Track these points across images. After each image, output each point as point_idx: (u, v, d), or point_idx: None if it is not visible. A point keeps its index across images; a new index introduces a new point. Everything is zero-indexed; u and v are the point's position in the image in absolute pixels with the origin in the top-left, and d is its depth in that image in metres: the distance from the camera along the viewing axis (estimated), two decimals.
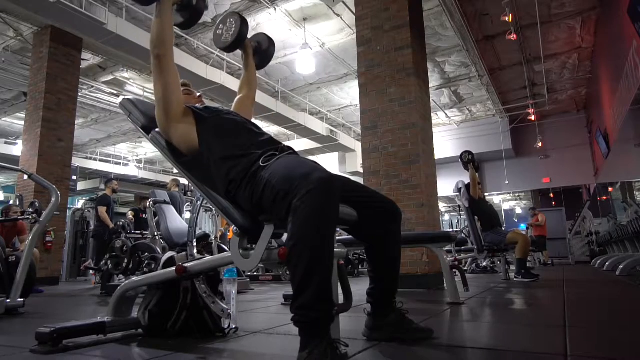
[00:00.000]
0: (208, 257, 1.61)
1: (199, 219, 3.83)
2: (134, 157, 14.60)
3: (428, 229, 4.10)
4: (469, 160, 4.87)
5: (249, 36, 1.90)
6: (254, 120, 1.76)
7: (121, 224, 5.10)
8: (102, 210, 5.79)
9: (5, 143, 11.64)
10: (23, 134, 6.78)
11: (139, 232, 5.19)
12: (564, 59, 8.87)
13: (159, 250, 4.01)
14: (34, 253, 3.26)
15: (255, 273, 6.25)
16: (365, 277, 5.49)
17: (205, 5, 1.65)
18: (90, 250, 8.22)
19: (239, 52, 1.96)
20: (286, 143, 1.53)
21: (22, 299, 2.61)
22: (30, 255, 2.73)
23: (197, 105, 1.64)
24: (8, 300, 2.54)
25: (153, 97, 1.55)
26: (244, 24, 1.79)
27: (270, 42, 2.01)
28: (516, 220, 17.01)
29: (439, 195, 5.17)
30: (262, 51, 1.99)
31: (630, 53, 5.42)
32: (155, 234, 4.25)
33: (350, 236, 1.56)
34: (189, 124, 1.52)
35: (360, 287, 2.35)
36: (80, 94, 8.12)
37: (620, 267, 5.21)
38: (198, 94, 1.77)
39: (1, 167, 3.60)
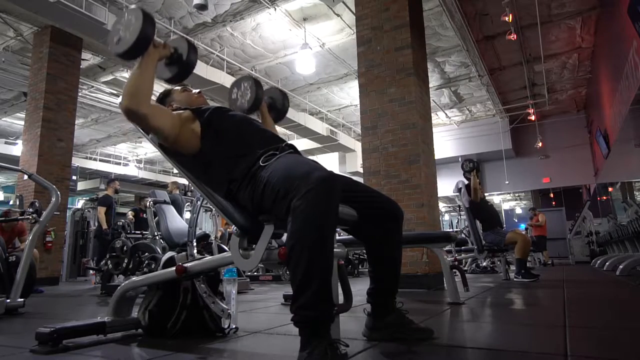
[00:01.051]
0: (208, 257, 1.61)
1: (199, 219, 3.83)
2: (134, 157, 14.60)
3: (428, 229, 4.09)
4: (470, 169, 4.85)
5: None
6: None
7: (121, 224, 5.11)
8: (101, 210, 5.79)
9: (5, 143, 11.64)
10: (23, 134, 6.77)
11: (139, 232, 5.19)
12: (564, 59, 8.87)
13: (159, 250, 4.01)
14: (34, 253, 3.26)
15: (255, 273, 6.25)
16: (365, 277, 5.49)
17: (196, 58, 1.60)
18: (91, 250, 8.23)
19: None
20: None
21: (22, 299, 2.61)
22: (30, 255, 2.73)
23: (200, 107, 1.62)
24: (8, 300, 2.54)
25: (153, 97, 1.54)
26: (259, 88, 1.78)
27: (284, 97, 2.00)
28: (516, 220, 17.00)
29: (439, 195, 5.16)
30: (276, 107, 1.98)
31: (630, 53, 5.42)
32: (155, 234, 4.25)
33: (350, 236, 1.57)
34: (192, 130, 1.51)
35: (360, 287, 2.35)
36: (80, 94, 8.12)
37: (620, 267, 5.21)
38: (197, 91, 1.76)
39: (1, 167, 3.60)
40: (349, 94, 10.10)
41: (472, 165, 4.87)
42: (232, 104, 1.85)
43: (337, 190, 1.17)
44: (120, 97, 1.40)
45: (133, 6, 1.47)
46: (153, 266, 3.77)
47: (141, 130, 1.67)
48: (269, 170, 1.31)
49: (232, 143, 1.47)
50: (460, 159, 5.16)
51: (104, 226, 5.60)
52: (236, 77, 8.43)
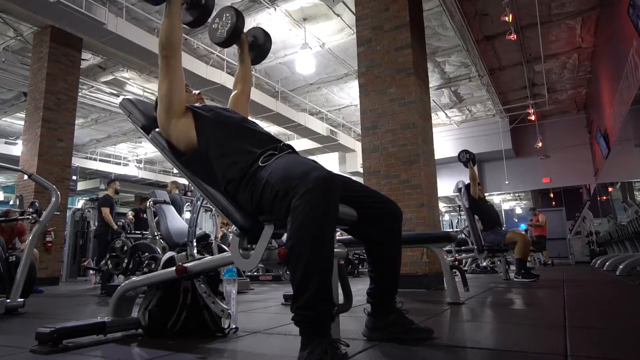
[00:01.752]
0: (208, 257, 1.61)
1: (199, 219, 3.83)
2: (134, 157, 14.60)
3: (428, 229, 4.09)
4: (467, 159, 4.88)
5: (245, 30, 1.88)
6: (253, 120, 1.75)
7: (121, 224, 5.10)
8: (106, 211, 5.78)
9: (5, 143, 11.64)
10: (23, 134, 6.77)
11: (139, 232, 5.19)
12: (564, 59, 8.87)
13: (159, 250, 4.01)
14: (34, 253, 3.26)
15: (255, 273, 6.25)
16: (365, 277, 5.49)
17: (213, 3, 1.65)
18: (91, 250, 8.23)
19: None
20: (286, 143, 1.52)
21: (22, 299, 2.61)
22: (30, 255, 2.73)
23: (196, 104, 1.64)
24: (8, 300, 2.54)
25: (153, 97, 1.55)
26: (239, 18, 1.77)
27: (267, 37, 1.98)
28: (516, 220, 17.00)
29: (439, 195, 5.17)
30: (258, 46, 1.97)
31: (630, 53, 5.42)
32: (155, 234, 4.25)
33: (350, 236, 1.56)
34: (187, 122, 1.52)
35: (360, 287, 2.35)
36: (80, 94, 8.13)
37: (620, 267, 5.21)
38: (197, 92, 1.76)
39: (1, 167, 3.60)
40: (349, 94, 10.10)
41: (469, 156, 4.88)
42: (211, 33, 1.83)
43: (337, 190, 1.17)
44: (158, 47, 1.53)
45: None
46: (153, 266, 3.77)
47: (141, 131, 1.68)
48: (268, 171, 1.30)
49: (230, 143, 1.47)
50: (457, 156, 5.16)
51: (114, 226, 5.59)
52: None
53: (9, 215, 4.41)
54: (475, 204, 4.77)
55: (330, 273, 1.15)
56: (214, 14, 1.78)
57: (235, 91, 1.93)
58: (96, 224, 6.64)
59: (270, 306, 2.77)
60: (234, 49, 1.95)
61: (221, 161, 1.43)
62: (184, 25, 1.66)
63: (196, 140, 1.49)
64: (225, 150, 1.44)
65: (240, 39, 1.87)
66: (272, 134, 1.68)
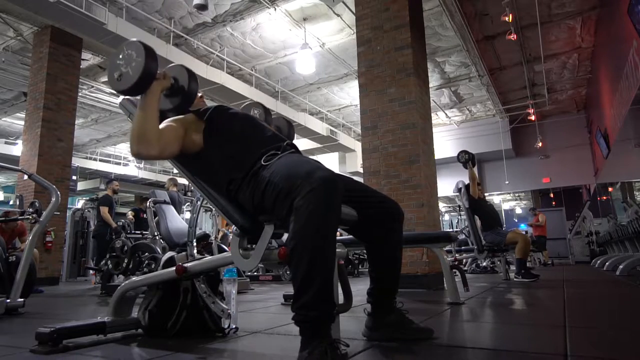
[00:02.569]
0: (208, 257, 1.61)
1: (199, 219, 3.83)
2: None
3: (428, 229, 4.09)
4: (466, 160, 4.88)
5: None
6: None
7: (121, 224, 5.10)
8: (105, 210, 5.78)
9: (5, 143, 11.64)
10: (23, 134, 6.77)
11: (139, 232, 5.19)
12: (564, 59, 8.87)
13: (159, 250, 4.01)
14: (34, 253, 3.26)
15: (255, 273, 6.25)
16: (365, 277, 5.50)
17: (197, 87, 1.54)
18: (91, 250, 8.23)
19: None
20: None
21: (22, 299, 2.61)
22: (30, 255, 2.73)
23: (200, 108, 1.62)
24: (8, 300, 2.54)
25: None
26: (268, 116, 1.82)
27: (290, 126, 1.97)
28: (516, 220, 17.00)
29: (439, 195, 5.17)
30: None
31: (630, 53, 5.42)
32: (155, 234, 4.25)
33: (351, 236, 1.56)
34: (194, 132, 1.50)
35: (360, 287, 2.35)
36: (80, 94, 8.12)
37: (620, 267, 5.21)
38: (199, 94, 1.76)
39: (1, 167, 3.60)
40: (349, 94, 10.10)
41: (468, 157, 4.88)
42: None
43: (340, 190, 1.17)
44: (130, 142, 1.38)
45: (134, 39, 1.41)
46: (153, 266, 3.78)
47: None
48: (270, 170, 1.30)
49: (233, 142, 1.47)
50: (456, 157, 5.16)
51: (113, 225, 5.59)
52: (236, 77, 8.43)
53: (9, 215, 4.41)
54: (475, 204, 4.77)
55: (332, 273, 1.15)
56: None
57: None
58: (95, 223, 6.65)
59: (270, 306, 2.77)
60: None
61: (223, 162, 1.43)
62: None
63: (201, 142, 1.49)
64: (227, 151, 1.44)
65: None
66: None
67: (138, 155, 1.38)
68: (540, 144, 11.10)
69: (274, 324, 1.91)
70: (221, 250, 4.17)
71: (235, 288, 1.73)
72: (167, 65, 1.65)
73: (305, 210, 1.11)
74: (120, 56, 1.40)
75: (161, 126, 1.45)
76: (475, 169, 4.98)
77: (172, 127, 1.48)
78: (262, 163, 1.36)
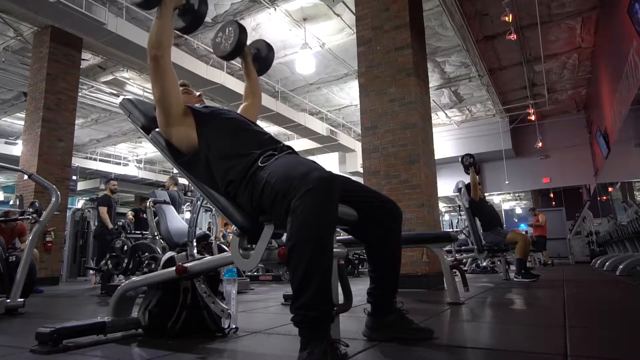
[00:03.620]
0: (208, 257, 1.61)
1: (199, 219, 3.83)
2: (134, 157, 14.59)
3: (428, 229, 4.09)
4: (470, 164, 4.88)
5: (248, 42, 1.90)
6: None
7: (121, 224, 5.10)
8: (103, 210, 5.78)
9: (5, 143, 11.64)
10: (23, 134, 6.77)
11: (139, 232, 5.19)
12: (564, 59, 8.87)
13: (159, 250, 4.01)
14: (34, 253, 3.26)
15: (255, 273, 6.25)
16: (365, 277, 5.49)
17: (206, 9, 1.64)
18: (91, 250, 8.23)
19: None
20: (286, 143, 1.53)
21: (22, 299, 2.61)
22: (30, 255, 2.73)
23: (197, 105, 1.64)
24: (8, 300, 2.54)
25: (153, 97, 1.55)
26: (242, 32, 1.80)
27: (269, 48, 2.01)
28: (516, 220, 16.99)
29: (439, 195, 5.17)
30: (261, 58, 1.99)
31: (630, 53, 5.42)
32: (155, 234, 4.25)
33: (350, 236, 1.56)
34: (188, 124, 1.52)
35: (360, 287, 2.35)
36: (80, 94, 8.12)
37: (620, 267, 5.21)
38: (198, 93, 1.77)
39: (1, 167, 3.60)
40: (349, 94, 10.10)
41: (472, 160, 4.88)
42: (215, 47, 1.88)
43: (337, 190, 1.17)
44: (147, 47, 1.49)
45: None
46: (153, 266, 3.77)
47: (141, 131, 1.68)
48: (267, 171, 1.31)
49: (230, 144, 1.47)
50: (460, 159, 5.17)
51: (109, 225, 5.58)
52: (236, 77, 8.43)
53: (9, 216, 4.41)
54: (476, 204, 4.77)
55: (330, 273, 1.15)
56: (216, 27, 1.80)
57: (246, 102, 1.95)
58: (96, 224, 6.64)
59: (270, 306, 2.77)
60: None
61: (221, 163, 1.43)
62: (180, 32, 1.66)
63: (197, 141, 1.49)
64: (225, 152, 1.45)
65: (243, 52, 1.89)
66: (272, 134, 1.68)
67: (154, 56, 1.48)
68: (540, 144, 11.10)
69: (274, 324, 1.91)
70: (221, 250, 4.17)
71: (235, 288, 1.73)
72: None
73: (303, 210, 1.11)
74: None
75: None
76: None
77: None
78: (259, 164, 1.36)
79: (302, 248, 1.11)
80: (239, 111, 1.90)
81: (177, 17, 1.64)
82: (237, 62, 8.21)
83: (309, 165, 1.23)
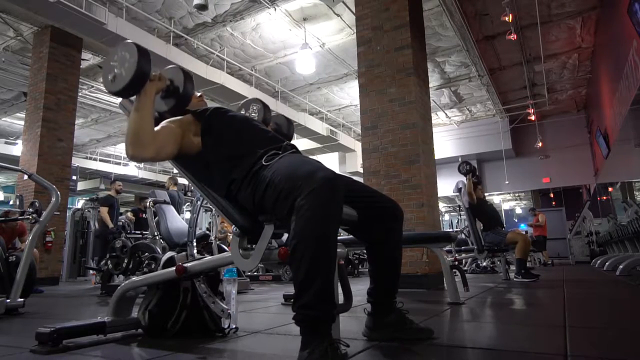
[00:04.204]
0: (208, 257, 1.61)
1: (199, 218, 3.83)
2: None
3: (428, 229, 4.10)
4: (467, 172, 4.86)
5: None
6: None
7: (121, 224, 5.10)
8: (104, 210, 5.78)
9: (5, 143, 11.64)
10: (23, 134, 6.77)
11: (139, 232, 5.19)
12: (564, 59, 8.87)
13: (159, 250, 4.01)
14: (34, 253, 3.26)
15: (255, 273, 6.25)
16: (365, 277, 5.50)
17: (192, 88, 1.54)
18: (91, 250, 8.23)
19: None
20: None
21: (22, 299, 2.61)
22: (30, 255, 2.73)
23: (199, 109, 1.62)
24: (8, 300, 2.54)
25: None
26: (267, 112, 1.81)
27: (289, 123, 1.97)
28: (516, 220, 17.00)
29: (439, 195, 5.16)
30: (282, 134, 1.91)
31: (630, 53, 5.42)
32: (155, 234, 4.25)
33: (351, 236, 1.57)
34: (193, 132, 1.50)
35: (360, 287, 2.35)
36: (80, 94, 8.13)
37: (620, 267, 5.21)
38: (199, 94, 1.76)
39: (1, 167, 3.60)
40: (349, 94, 10.10)
41: (469, 168, 4.88)
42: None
43: (341, 190, 1.17)
44: (124, 144, 1.37)
45: (129, 40, 1.43)
46: (153, 266, 3.77)
47: None
48: (271, 170, 1.30)
49: (233, 143, 1.47)
50: (460, 159, 5.16)
51: (110, 225, 5.58)
52: (236, 77, 8.43)
53: (10, 215, 4.41)
54: (475, 204, 4.77)
55: (333, 273, 1.15)
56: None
57: None
58: (96, 224, 6.64)
59: (270, 306, 2.77)
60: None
61: (223, 163, 1.43)
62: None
63: (200, 143, 1.49)
64: (228, 152, 1.44)
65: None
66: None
67: (133, 157, 1.37)
68: (540, 144, 11.10)
69: (274, 324, 1.91)
70: (221, 250, 4.17)
71: (235, 288, 1.73)
72: (168, 65, 1.65)
73: (307, 210, 1.11)
74: (114, 58, 1.40)
75: (158, 127, 1.44)
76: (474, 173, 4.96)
77: (169, 128, 1.47)
78: (263, 163, 1.36)
79: (305, 247, 1.11)
80: None
81: (160, 100, 1.53)
82: (237, 62, 8.23)
83: (314, 165, 1.23)
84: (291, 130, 1.98)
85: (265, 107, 1.82)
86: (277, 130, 1.95)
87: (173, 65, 1.60)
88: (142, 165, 14.67)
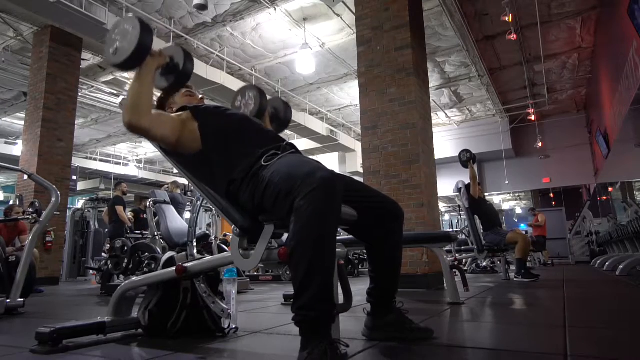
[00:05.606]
0: (208, 257, 1.61)
1: (199, 218, 3.83)
2: (134, 157, 14.59)
3: (428, 229, 4.09)
4: (467, 159, 4.88)
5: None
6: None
7: None
8: (120, 209, 5.76)
9: (5, 143, 11.64)
10: (23, 134, 6.77)
11: (139, 232, 5.18)
12: (564, 59, 8.87)
13: (159, 250, 4.01)
14: (34, 253, 3.26)
15: (255, 273, 6.25)
16: (365, 277, 5.49)
17: (192, 67, 1.55)
18: (91, 250, 8.23)
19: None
20: None
21: (22, 299, 2.61)
22: (30, 255, 2.73)
23: (199, 105, 1.62)
24: (8, 300, 2.54)
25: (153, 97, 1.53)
26: (263, 98, 1.78)
27: (287, 107, 1.96)
28: (516, 220, 17.01)
29: (439, 195, 5.17)
30: (279, 118, 1.94)
31: (630, 53, 5.42)
32: (155, 234, 4.25)
33: (351, 236, 1.56)
34: (191, 129, 1.49)
35: (360, 287, 2.35)
36: (80, 94, 8.12)
37: (620, 267, 5.21)
38: (200, 96, 1.76)
39: (1, 167, 3.60)
40: (349, 94, 10.10)
41: (470, 156, 4.88)
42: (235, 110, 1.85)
43: (340, 190, 1.17)
44: (122, 111, 1.39)
45: (130, 15, 1.44)
46: (153, 266, 3.77)
47: None
48: (270, 170, 1.30)
49: (232, 143, 1.47)
50: (458, 156, 5.16)
51: (128, 224, 5.57)
52: (236, 77, 8.43)
53: (14, 210, 4.42)
54: (475, 204, 4.77)
55: (333, 273, 1.15)
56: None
57: None
58: (96, 225, 6.63)
59: (270, 306, 2.77)
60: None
61: (223, 162, 1.43)
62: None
63: (200, 142, 1.48)
64: (228, 152, 1.44)
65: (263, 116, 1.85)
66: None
67: (129, 124, 1.37)
68: (540, 144, 11.11)
69: (274, 324, 1.91)
70: (221, 250, 4.17)
71: (235, 288, 1.73)
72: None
73: (306, 210, 1.11)
74: (116, 31, 1.42)
75: (159, 111, 1.47)
76: (476, 167, 4.97)
77: (169, 115, 1.52)
78: (262, 163, 1.36)
79: (304, 247, 1.11)
80: None
81: (160, 76, 1.54)
82: (237, 62, 8.23)
83: (313, 165, 1.23)
84: (288, 113, 1.97)
85: (261, 93, 1.79)
86: (274, 115, 1.96)
87: (173, 44, 1.62)
88: (142, 165, 14.68)
